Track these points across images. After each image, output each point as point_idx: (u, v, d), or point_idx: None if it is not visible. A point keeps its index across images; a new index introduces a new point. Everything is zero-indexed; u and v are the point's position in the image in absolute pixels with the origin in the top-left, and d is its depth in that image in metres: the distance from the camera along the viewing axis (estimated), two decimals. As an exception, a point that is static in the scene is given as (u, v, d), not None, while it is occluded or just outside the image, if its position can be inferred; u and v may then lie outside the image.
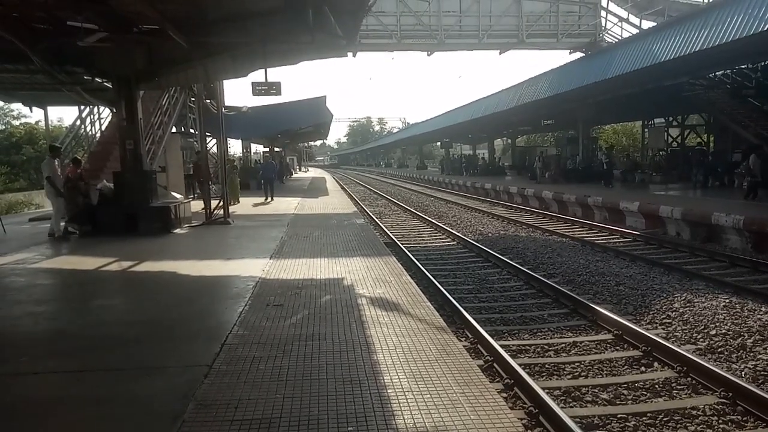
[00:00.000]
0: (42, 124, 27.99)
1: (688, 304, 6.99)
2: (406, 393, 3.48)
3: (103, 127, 17.68)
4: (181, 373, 3.88)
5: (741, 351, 5.51)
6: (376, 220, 16.78)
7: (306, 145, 71.97)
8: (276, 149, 38.66)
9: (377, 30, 23.63)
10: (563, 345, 5.86)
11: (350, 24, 10.29)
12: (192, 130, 20.20)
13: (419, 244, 12.80)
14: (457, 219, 17.34)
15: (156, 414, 3.28)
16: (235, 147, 42.06)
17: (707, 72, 18.50)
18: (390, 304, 5.57)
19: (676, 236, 12.76)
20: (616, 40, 23.79)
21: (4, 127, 40.92)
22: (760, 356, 5.33)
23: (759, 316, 6.38)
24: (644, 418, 4.23)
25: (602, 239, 12.75)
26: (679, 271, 8.94)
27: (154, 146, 14.37)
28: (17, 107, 39.47)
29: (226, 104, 17.01)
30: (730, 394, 4.43)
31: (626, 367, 5.27)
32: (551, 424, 3.99)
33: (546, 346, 5.83)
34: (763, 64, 18.48)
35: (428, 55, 25.96)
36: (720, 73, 19.32)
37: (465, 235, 13.22)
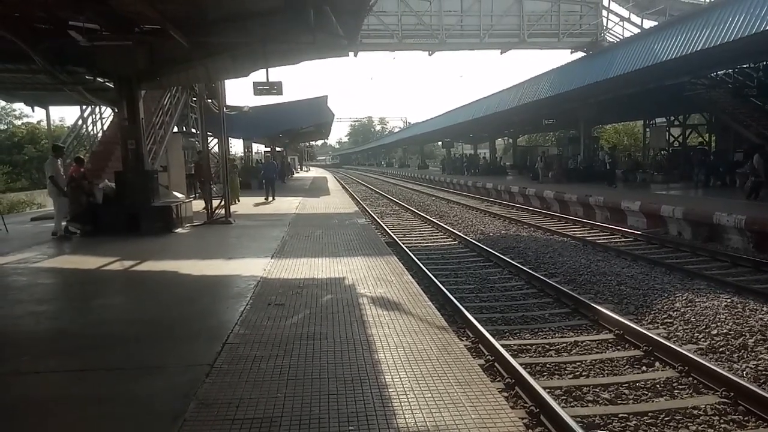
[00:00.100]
0: (44, 123, 27.95)
1: (689, 304, 6.98)
2: (407, 392, 3.49)
3: (105, 127, 17.73)
4: (183, 372, 3.88)
5: (742, 351, 5.50)
6: (378, 219, 16.78)
7: (307, 144, 72.07)
8: (277, 149, 38.69)
9: (378, 30, 23.62)
10: (564, 344, 5.86)
11: (351, 24, 10.29)
12: (193, 130, 20.21)
13: (420, 243, 12.80)
14: (459, 218, 17.33)
15: (157, 413, 3.28)
16: (236, 147, 42.14)
17: (709, 71, 18.47)
18: (391, 303, 5.57)
19: (678, 236, 12.75)
20: (618, 40, 23.74)
21: (6, 126, 40.98)
22: (762, 356, 5.33)
23: (760, 316, 6.37)
24: (645, 418, 4.23)
25: (603, 239, 12.74)
26: (680, 271, 8.93)
27: (156, 146, 14.38)
28: (19, 107, 39.52)
29: (227, 104, 17.02)
30: (732, 393, 4.43)
31: (627, 366, 5.26)
32: (552, 423, 3.99)
33: (547, 346, 5.83)
34: (764, 63, 18.46)
35: (429, 54, 25.94)
36: (722, 72, 19.29)
37: (466, 235, 13.22)
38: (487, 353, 5.45)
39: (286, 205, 17.40)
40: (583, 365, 5.28)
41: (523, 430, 3.12)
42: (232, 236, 10.92)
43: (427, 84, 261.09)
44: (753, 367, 5.11)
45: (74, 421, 3.26)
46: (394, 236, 13.14)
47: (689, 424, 4.14)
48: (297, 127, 31.49)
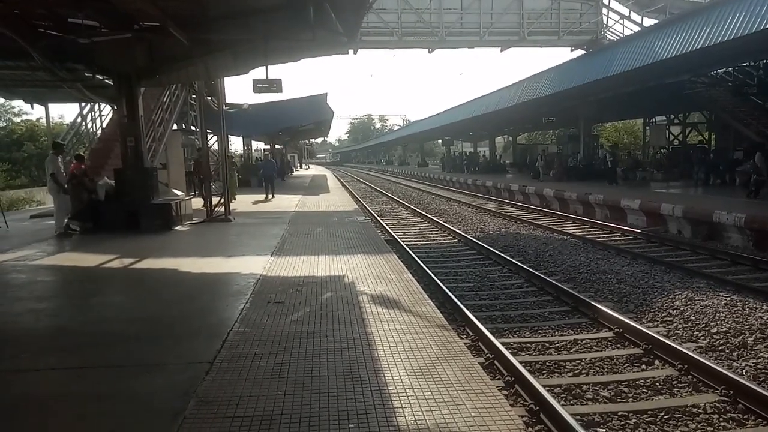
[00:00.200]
0: (43, 121, 27.95)
1: (689, 302, 6.99)
2: (407, 390, 3.49)
3: (104, 124, 17.69)
4: (183, 369, 3.89)
5: (742, 349, 5.51)
6: (377, 217, 16.78)
7: (307, 142, 71.97)
8: (277, 146, 38.67)
9: (378, 27, 23.55)
10: (564, 343, 5.86)
11: (351, 21, 10.27)
12: (193, 128, 20.20)
13: (420, 241, 12.80)
14: (458, 216, 17.33)
15: (157, 411, 3.28)
16: (236, 144, 42.11)
17: (709, 70, 18.44)
18: (391, 301, 5.57)
19: (678, 234, 12.75)
20: (618, 38, 23.72)
21: (5, 124, 40.88)
22: (761, 354, 5.33)
23: (760, 315, 6.38)
24: (645, 416, 4.23)
25: (603, 237, 12.75)
26: (680, 269, 8.93)
27: (155, 143, 14.37)
28: (18, 104, 39.47)
29: (227, 101, 17.00)
30: (731, 392, 4.43)
31: (627, 364, 5.27)
32: (552, 421, 3.99)
33: (547, 344, 5.84)
34: (765, 61, 18.42)
35: (429, 52, 25.89)
36: (722, 70, 19.26)
37: (466, 233, 13.22)
38: (486, 351, 5.46)
39: (285, 202, 17.40)
40: (582, 363, 5.29)
41: (522, 428, 3.12)
42: (231, 234, 10.92)
43: (426, 82, 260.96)
44: (752, 365, 5.11)
45: (74, 419, 3.26)
46: (393, 234, 13.14)
47: (689, 422, 4.15)
48: (296, 125, 31.47)
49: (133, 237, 10.27)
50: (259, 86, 11.92)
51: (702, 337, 5.90)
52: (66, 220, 10.76)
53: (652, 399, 4.56)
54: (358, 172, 63.87)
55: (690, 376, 4.87)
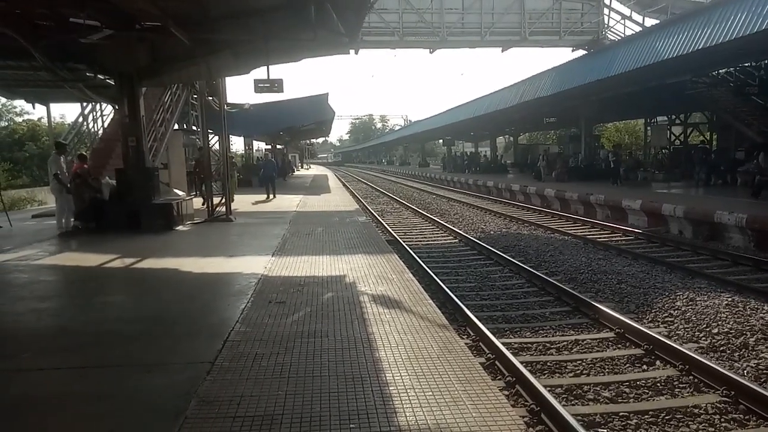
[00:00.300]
0: (45, 120, 28.00)
1: (690, 303, 6.98)
2: (408, 390, 3.49)
3: (106, 124, 17.72)
4: (184, 369, 3.89)
5: (743, 350, 5.50)
6: (378, 217, 16.79)
7: (308, 142, 72.00)
8: (278, 146, 38.68)
9: (379, 27, 23.57)
10: (565, 343, 5.86)
11: (352, 21, 10.28)
12: (194, 127, 20.22)
13: (421, 241, 12.80)
14: (459, 217, 17.33)
15: (158, 410, 3.29)
16: (237, 144, 42.14)
17: (710, 70, 18.42)
18: (392, 301, 5.58)
19: (679, 234, 12.74)
20: (619, 38, 23.71)
21: (6, 123, 40.92)
22: (763, 355, 5.32)
23: (761, 315, 6.37)
24: (646, 417, 4.23)
25: (604, 237, 12.74)
26: (681, 270, 8.92)
27: (157, 143, 14.39)
28: (20, 104, 39.47)
29: (228, 101, 17.03)
30: (732, 392, 4.43)
31: (628, 365, 5.26)
32: (553, 422, 3.99)
33: (548, 344, 5.83)
34: (766, 62, 18.40)
35: (430, 52, 25.90)
36: (723, 70, 19.24)
37: (467, 233, 13.22)
38: (487, 351, 5.46)
39: (287, 202, 17.40)
40: (583, 364, 5.28)
41: (523, 428, 3.12)
42: (232, 234, 10.93)
43: (428, 82, 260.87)
44: (754, 366, 5.11)
45: (76, 418, 3.26)
46: (394, 234, 13.14)
47: (690, 422, 4.15)
48: (298, 125, 31.48)
49: (134, 237, 10.28)
50: (261, 86, 11.93)
51: (703, 338, 5.89)
52: (72, 220, 10.80)
53: (654, 399, 4.55)
54: (359, 172, 63.87)
55: (691, 377, 4.87)
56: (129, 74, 10.96)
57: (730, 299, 6.98)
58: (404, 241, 12.05)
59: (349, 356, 4.07)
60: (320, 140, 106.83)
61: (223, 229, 11.51)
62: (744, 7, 12.76)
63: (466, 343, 4.98)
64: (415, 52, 28.18)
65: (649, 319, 6.62)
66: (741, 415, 4.22)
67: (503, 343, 5.49)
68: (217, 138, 18.90)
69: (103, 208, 11.15)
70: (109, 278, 7.33)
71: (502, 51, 26.31)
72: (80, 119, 17.84)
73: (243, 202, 17.07)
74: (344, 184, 33.75)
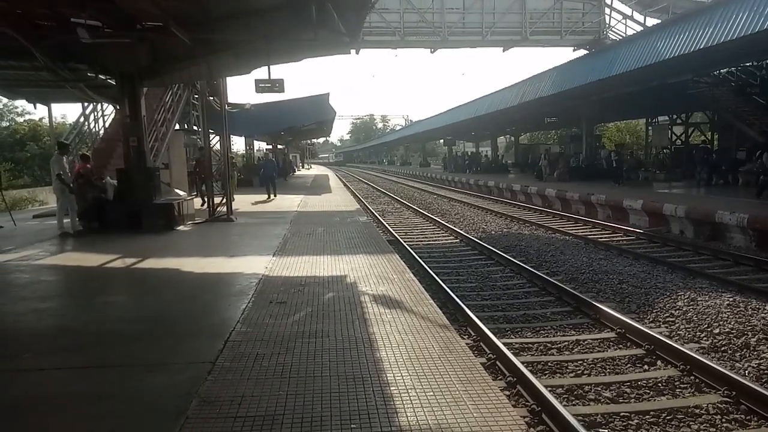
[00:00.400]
0: (46, 120, 28.07)
1: (691, 303, 6.97)
2: (409, 390, 3.49)
3: (107, 124, 17.73)
4: (185, 369, 3.89)
5: (745, 350, 5.49)
6: (379, 217, 16.79)
7: (309, 142, 72.01)
8: (279, 146, 38.69)
9: (380, 27, 23.57)
10: (566, 343, 5.85)
11: (353, 21, 10.27)
12: (195, 127, 20.23)
13: (422, 241, 12.80)
14: (460, 217, 17.32)
15: (160, 410, 3.29)
16: (238, 144, 42.15)
17: (712, 69, 18.40)
18: (393, 301, 5.58)
19: (680, 234, 12.72)
20: (620, 38, 23.69)
21: (8, 123, 40.96)
22: (764, 355, 5.32)
23: (763, 315, 6.36)
24: (647, 417, 4.23)
25: (605, 237, 12.73)
26: (682, 270, 8.92)
27: (158, 143, 14.39)
28: (21, 104, 39.52)
29: (229, 101, 17.04)
30: (734, 392, 4.42)
31: (629, 365, 5.26)
32: (554, 422, 3.99)
33: (549, 344, 5.83)
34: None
35: (431, 52, 25.89)
36: (724, 70, 19.22)
37: (468, 233, 13.22)
38: (488, 351, 5.45)
39: (287, 202, 17.41)
40: (584, 364, 5.28)
41: (524, 428, 3.12)
42: (233, 234, 10.93)
43: (428, 82, 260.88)
44: (755, 366, 5.10)
45: (76, 418, 3.27)
46: (395, 234, 13.13)
47: (691, 423, 4.14)
48: (299, 125, 31.49)
49: (135, 237, 10.29)
50: (262, 86, 11.95)
51: (704, 338, 5.88)
52: (78, 220, 10.83)
53: (655, 400, 4.55)
54: (360, 172, 63.88)
55: (692, 377, 4.86)
56: (130, 74, 10.97)
57: (731, 299, 6.97)
58: (405, 241, 12.05)
59: (350, 356, 4.07)
60: (321, 140, 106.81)
61: (224, 229, 11.52)
62: (745, 6, 12.75)
63: (467, 344, 4.98)
64: (416, 51, 28.22)
65: (651, 319, 6.61)
66: (742, 416, 4.21)
67: (504, 344, 5.49)
68: (218, 138, 18.92)
69: (106, 208, 11.16)
70: (110, 278, 7.34)
71: (503, 51, 26.32)
72: (81, 119, 17.84)
73: (244, 201, 17.08)
74: (345, 184, 33.75)
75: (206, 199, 13.58)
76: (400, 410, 3.23)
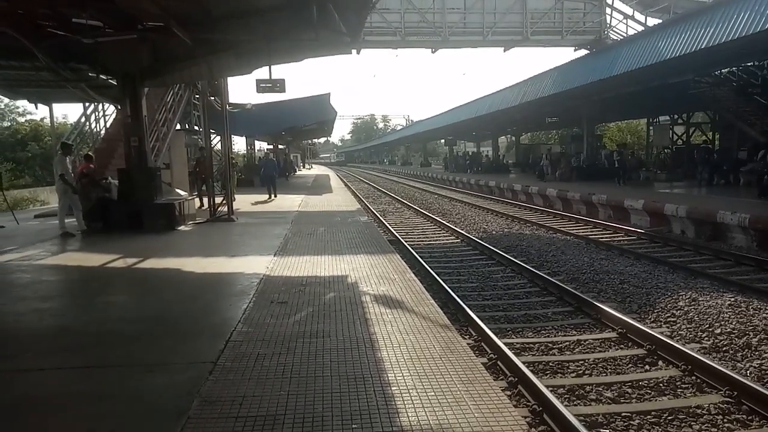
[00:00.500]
0: (47, 120, 28.10)
1: (692, 303, 6.96)
2: (410, 391, 3.49)
3: (108, 124, 17.75)
4: (186, 369, 3.89)
5: (746, 350, 5.48)
6: (380, 217, 16.79)
7: (310, 142, 72.05)
8: (280, 146, 38.71)
9: (381, 27, 23.57)
10: (567, 343, 5.85)
11: (354, 21, 10.27)
12: (196, 127, 20.24)
13: (423, 241, 12.80)
14: (461, 216, 17.32)
15: (161, 410, 3.29)
16: (239, 144, 42.17)
17: (713, 69, 18.38)
18: (394, 301, 5.57)
19: (681, 234, 12.71)
20: (621, 38, 23.67)
21: (9, 124, 41.00)
22: (766, 355, 5.31)
23: (764, 315, 6.35)
24: (648, 417, 4.22)
25: (606, 237, 12.72)
26: (683, 270, 8.91)
27: (159, 143, 14.41)
28: (22, 104, 39.58)
29: (230, 101, 17.05)
30: (735, 393, 4.41)
31: (630, 365, 5.25)
32: (555, 422, 3.98)
33: (550, 344, 5.82)
34: (769, 61, 18.35)
35: (432, 52, 25.88)
36: (726, 70, 19.20)
37: (469, 233, 13.21)
38: (490, 352, 5.45)
39: (288, 202, 17.41)
40: (586, 364, 5.27)
41: (526, 428, 3.12)
42: (234, 234, 10.93)
43: (429, 82, 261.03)
44: (757, 366, 5.09)
45: (77, 418, 3.26)
46: (396, 234, 13.13)
47: (692, 423, 4.13)
48: (299, 125, 31.51)
49: (136, 237, 10.29)
50: (263, 86, 11.92)
51: (706, 338, 5.88)
52: (83, 220, 10.87)
53: (656, 400, 4.54)
54: (361, 172, 63.89)
55: (694, 377, 4.85)
56: (131, 74, 10.98)
57: (732, 299, 6.96)
58: (406, 241, 12.04)
59: (351, 356, 4.07)
60: (322, 140, 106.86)
61: (225, 229, 11.52)
62: (747, 6, 12.73)
63: (468, 344, 4.99)
64: (417, 51, 28.24)
65: (652, 319, 6.60)
66: (744, 416, 4.21)
67: (505, 344, 5.48)
68: (219, 138, 18.92)
69: (110, 208, 11.18)
70: (111, 278, 7.34)
71: (504, 51, 26.30)
72: (83, 119, 17.86)
73: (244, 201, 17.09)
74: (346, 184, 33.76)
75: (207, 199, 13.58)
76: (401, 410, 3.23)
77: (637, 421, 4.17)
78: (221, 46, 10.65)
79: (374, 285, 6.25)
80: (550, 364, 5.30)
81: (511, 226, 14.94)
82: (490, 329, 5.87)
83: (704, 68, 17.60)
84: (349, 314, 5.10)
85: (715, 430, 4.06)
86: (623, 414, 4.26)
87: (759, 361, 5.18)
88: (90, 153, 13.05)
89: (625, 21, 24.99)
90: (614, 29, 25.22)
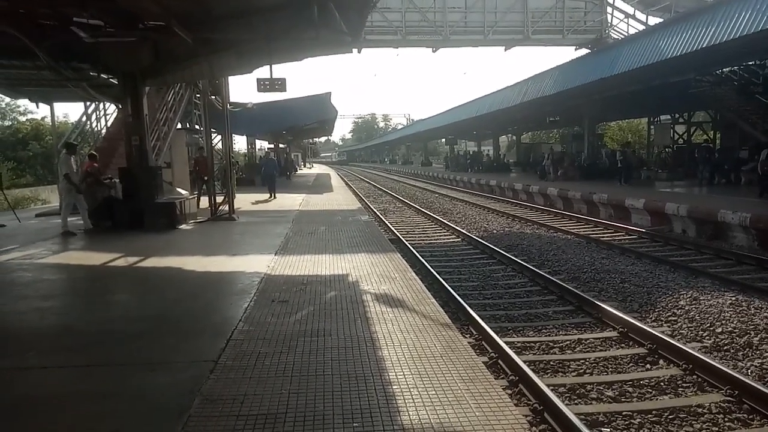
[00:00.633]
0: (48, 120, 28.10)
1: (693, 302, 6.96)
2: (411, 389, 3.49)
3: (109, 123, 17.76)
4: (187, 368, 3.90)
5: (747, 349, 5.48)
6: (381, 216, 16.79)
7: (311, 141, 72.03)
8: (281, 145, 38.70)
9: (382, 26, 23.56)
10: (568, 342, 5.85)
11: (355, 20, 10.26)
12: (197, 126, 20.24)
13: (424, 240, 12.80)
14: (462, 216, 17.32)
15: (163, 409, 3.30)
16: (240, 143, 42.18)
17: (714, 68, 18.37)
18: (395, 300, 5.58)
19: (682, 233, 12.70)
20: (623, 37, 23.65)
21: (10, 123, 41.06)
22: (767, 354, 5.31)
23: (765, 314, 6.35)
24: (649, 416, 4.22)
25: (607, 236, 12.71)
26: (684, 269, 8.90)
27: (160, 142, 14.41)
28: (24, 103, 39.67)
29: (231, 100, 17.04)
30: (736, 392, 4.42)
31: (631, 364, 5.25)
32: (556, 421, 3.98)
33: (551, 343, 5.83)
34: (771, 60, 18.34)
35: (433, 51, 25.87)
36: (727, 69, 19.18)
37: (470, 232, 13.21)
38: (490, 350, 5.45)
39: (289, 201, 17.42)
40: (586, 363, 5.27)
41: (526, 427, 3.12)
42: (235, 233, 10.94)
43: (430, 81, 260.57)
44: (758, 365, 5.09)
45: (79, 417, 3.27)
46: (397, 233, 13.14)
47: (693, 422, 4.14)
48: (300, 124, 31.50)
49: (137, 235, 10.30)
50: (263, 85, 11.92)
51: (707, 337, 5.88)
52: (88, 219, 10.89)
53: (657, 399, 4.54)
54: (362, 171, 63.90)
55: (695, 376, 4.86)
56: (132, 73, 10.98)
57: (733, 298, 6.96)
58: (407, 240, 12.05)
59: (352, 355, 4.07)
60: (323, 139, 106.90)
61: (226, 228, 11.53)
62: (748, 5, 12.72)
63: (469, 342, 4.99)
64: (418, 51, 28.27)
65: (653, 318, 6.60)
66: (745, 415, 4.21)
67: (506, 342, 5.49)
68: (220, 137, 18.94)
69: (115, 206, 11.21)
70: (112, 277, 7.35)
71: (505, 50, 26.28)
72: (84, 118, 17.87)
73: (245, 201, 17.10)
74: (347, 183, 33.76)
75: (208, 198, 13.58)
76: (402, 409, 3.24)
77: (638, 420, 4.17)
78: (222, 45, 10.65)
79: (375, 284, 6.25)
80: (551, 363, 5.30)
81: (512, 225, 14.94)
82: (490, 328, 5.88)
83: (705, 67, 17.59)
84: (350, 313, 5.10)
85: (716, 429, 4.06)
86: (624, 413, 4.26)
87: (760, 360, 5.18)
88: (94, 152, 13.07)
89: (626, 20, 24.99)
90: (615, 28, 25.20)
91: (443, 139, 61.72)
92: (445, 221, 15.20)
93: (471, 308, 6.60)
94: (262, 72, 11.68)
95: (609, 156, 26.38)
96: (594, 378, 4.96)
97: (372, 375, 3.72)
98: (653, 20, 23.42)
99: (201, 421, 3.12)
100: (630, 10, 24.84)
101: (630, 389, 4.69)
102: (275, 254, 8.16)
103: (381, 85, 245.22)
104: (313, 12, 9.35)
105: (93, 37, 9.39)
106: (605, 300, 7.21)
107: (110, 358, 4.17)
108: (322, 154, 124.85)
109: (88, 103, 17.13)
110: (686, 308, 6.78)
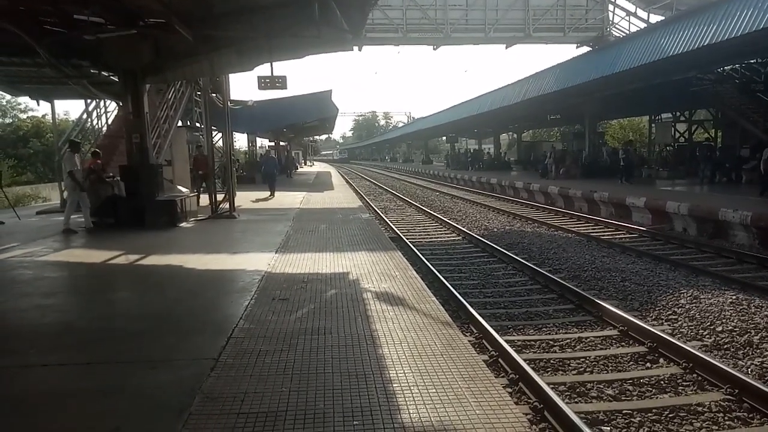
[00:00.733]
0: (49, 117, 28.12)
1: (694, 301, 6.96)
2: (412, 387, 3.49)
3: (110, 121, 17.77)
4: (188, 366, 3.90)
5: (747, 347, 5.49)
6: (381, 214, 16.79)
7: (311, 139, 71.99)
8: (281, 143, 38.70)
9: (383, 24, 23.52)
10: (568, 340, 5.85)
11: (356, 18, 10.26)
12: (198, 124, 20.23)
13: (424, 238, 12.80)
14: (463, 214, 17.32)
15: (163, 406, 3.30)
16: (240, 141, 42.17)
17: (716, 67, 18.36)
18: (395, 298, 5.58)
19: (683, 232, 12.70)
20: (624, 35, 23.60)
21: (11, 120, 41.07)
22: (767, 353, 5.31)
23: (766, 313, 6.35)
24: (649, 414, 4.23)
25: (608, 235, 12.71)
26: (685, 268, 8.90)
27: (160, 140, 14.40)
28: (24, 101, 39.69)
29: (231, 98, 17.01)
30: (736, 390, 4.42)
31: (631, 363, 5.26)
32: (556, 419, 3.99)
33: (551, 342, 5.83)
34: (772, 58, 18.31)
35: (434, 49, 25.80)
36: (728, 67, 19.17)
37: (470, 230, 13.21)
38: (491, 349, 5.46)
39: (290, 199, 17.42)
40: (587, 361, 5.28)
41: (527, 425, 3.12)
42: (236, 231, 10.94)
43: (431, 79, 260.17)
44: (758, 364, 5.10)
45: (81, 415, 3.28)
46: (398, 231, 13.14)
47: (693, 420, 4.14)
48: (301, 122, 31.49)
49: (138, 233, 10.31)
50: (264, 83, 11.92)
51: (707, 336, 5.88)
52: (91, 218, 10.91)
53: (657, 397, 4.55)
54: (363, 169, 63.87)
55: (695, 375, 4.86)
56: (133, 71, 10.98)
57: (734, 297, 6.96)
58: (407, 239, 12.05)
59: (352, 353, 4.07)
60: (323, 137, 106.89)
61: (227, 226, 11.54)
62: (750, 3, 12.69)
63: (469, 341, 5.00)
64: (419, 48, 28.32)
65: (653, 317, 6.61)
66: (745, 414, 4.21)
67: (506, 341, 5.49)
68: (221, 135, 18.92)
69: (118, 204, 11.22)
70: (113, 275, 7.35)
71: (506, 48, 26.19)
72: (84, 116, 17.88)
73: (246, 199, 17.09)
74: (347, 181, 33.76)
75: (209, 196, 13.58)
76: (402, 407, 3.24)
77: (638, 418, 4.18)
78: (223, 42, 10.64)
79: (376, 282, 6.26)
80: (552, 361, 5.31)
81: (513, 224, 14.94)
82: (491, 326, 5.88)
83: (707, 65, 17.57)
84: (351, 311, 5.10)
85: (716, 427, 4.06)
86: (624, 411, 4.27)
87: (760, 359, 5.19)
88: (97, 150, 13.08)
89: (627, 18, 24.90)
90: (616, 26, 25.12)
91: (444, 137, 61.73)
92: (445, 219, 15.20)
93: (471, 306, 6.61)
94: (263, 70, 11.68)
95: (610, 154, 26.36)
96: (594, 376, 4.96)
97: (372, 373, 3.72)
98: (654, 18, 23.34)
99: (201, 419, 3.12)
100: (631, 7, 24.76)
101: (630, 388, 4.69)
102: (276, 252, 8.16)
103: (382, 82, 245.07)
104: (314, 10, 9.34)
105: (93, 35, 9.38)
106: (606, 298, 7.22)
107: (111, 356, 4.17)
108: (322, 152, 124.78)
109: (88, 101, 17.14)
110: (687, 307, 6.78)
